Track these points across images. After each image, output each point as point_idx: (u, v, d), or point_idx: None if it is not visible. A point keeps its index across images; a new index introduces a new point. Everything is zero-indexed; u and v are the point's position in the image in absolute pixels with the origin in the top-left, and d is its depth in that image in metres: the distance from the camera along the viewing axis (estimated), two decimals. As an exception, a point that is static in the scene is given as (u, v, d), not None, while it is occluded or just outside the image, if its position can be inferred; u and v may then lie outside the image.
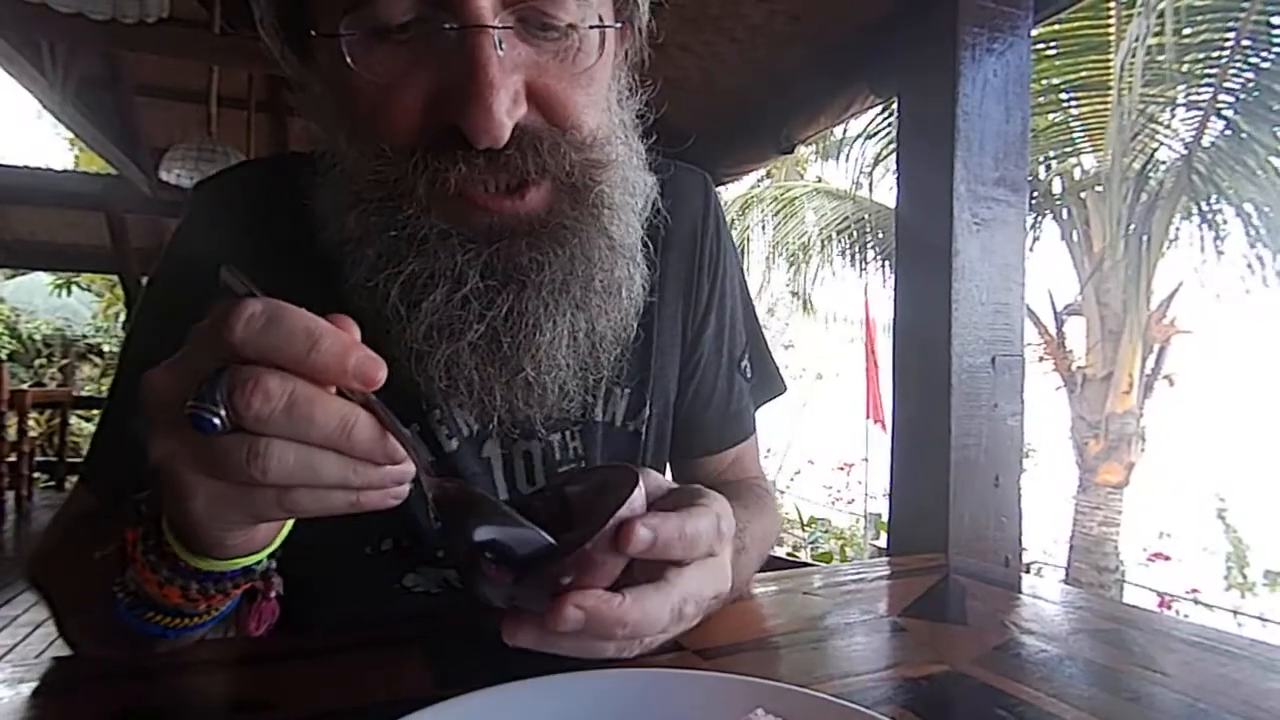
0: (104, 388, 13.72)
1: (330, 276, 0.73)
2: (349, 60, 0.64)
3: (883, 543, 8.09)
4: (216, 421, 0.46)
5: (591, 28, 0.69)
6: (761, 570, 0.97)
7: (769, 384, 1.15)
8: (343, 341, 0.48)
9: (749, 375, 1.11)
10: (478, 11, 0.62)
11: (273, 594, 0.61)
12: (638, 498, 0.55)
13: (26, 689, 0.64)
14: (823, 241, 9.64)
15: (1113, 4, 6.28)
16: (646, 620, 0.55)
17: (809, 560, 7.19)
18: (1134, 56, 5.46)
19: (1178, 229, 6.81)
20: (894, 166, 2.20)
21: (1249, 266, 6.45)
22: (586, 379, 0.77)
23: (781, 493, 10.82)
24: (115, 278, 10.96)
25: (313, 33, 0.67)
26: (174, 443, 0.49)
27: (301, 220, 0.77)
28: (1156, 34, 5.37)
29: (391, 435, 0.50)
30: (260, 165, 0.93)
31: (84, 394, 13.68)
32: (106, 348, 17.54)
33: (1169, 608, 7.42)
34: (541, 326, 0.69)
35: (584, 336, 0.74)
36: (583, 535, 0.54)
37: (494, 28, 0.62)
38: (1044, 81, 6.77)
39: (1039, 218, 7.73)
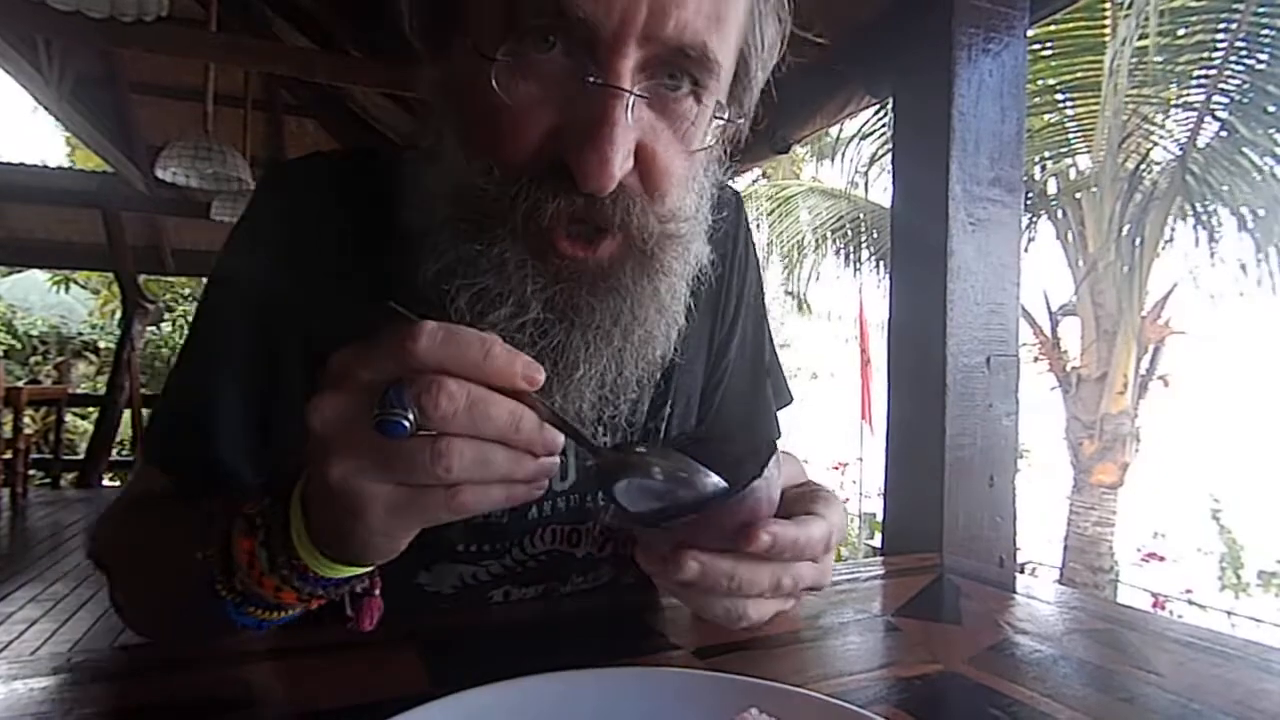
0: (100, 385, 13.68)
1: (407, 262, 0.77)
2: (495, 84, 0.68)
3: (877, 542, 8.09)
4: (405, 424, 0.50)
5: (722, 120, 0.75)
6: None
7: (778, 394, 1.19)
8: (509, 349, 0.54)
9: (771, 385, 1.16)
10: (620, 73, 0.66)
11: (377, 590, 0.65)
12: (774, 475, 0.60)
13: (22, 685, 0.64)
14: (818, 241, 9.65)
15: (1108, 5, 6.29)
16: (751, 580, 0.62)
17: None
18: (1120, 58, 5.47)
19: (1173, 230, 6.81)
20: (889, 166, 2.20)
21: (1243, 267, 6.47)
22: (602, 415, 0.80)
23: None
24: (111, 275, 10.95)
25: (467, 39, 0.70)
26: (354, 458, 0.53)
27: (386, 211, 0.82)
28: (1143, 36, 5.37)
29: (549, 425, 0.55)
30: (344, 156, 0.97)
31: (79, 391, 13.65)
32: (102, 345, 17.50)
33: (1163, 608, 7.43)
34: (579, 364, 0.73)
35: (611, 379, 0.78)
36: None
37: (630, 92, 0.66)
38: (1039, 82, 6.77)
39: (1034, 218, 7.74)
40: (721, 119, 0.76)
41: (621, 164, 0.67)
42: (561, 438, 0.56)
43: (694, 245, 0.80)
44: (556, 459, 0.57)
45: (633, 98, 0.66)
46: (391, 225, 0.80)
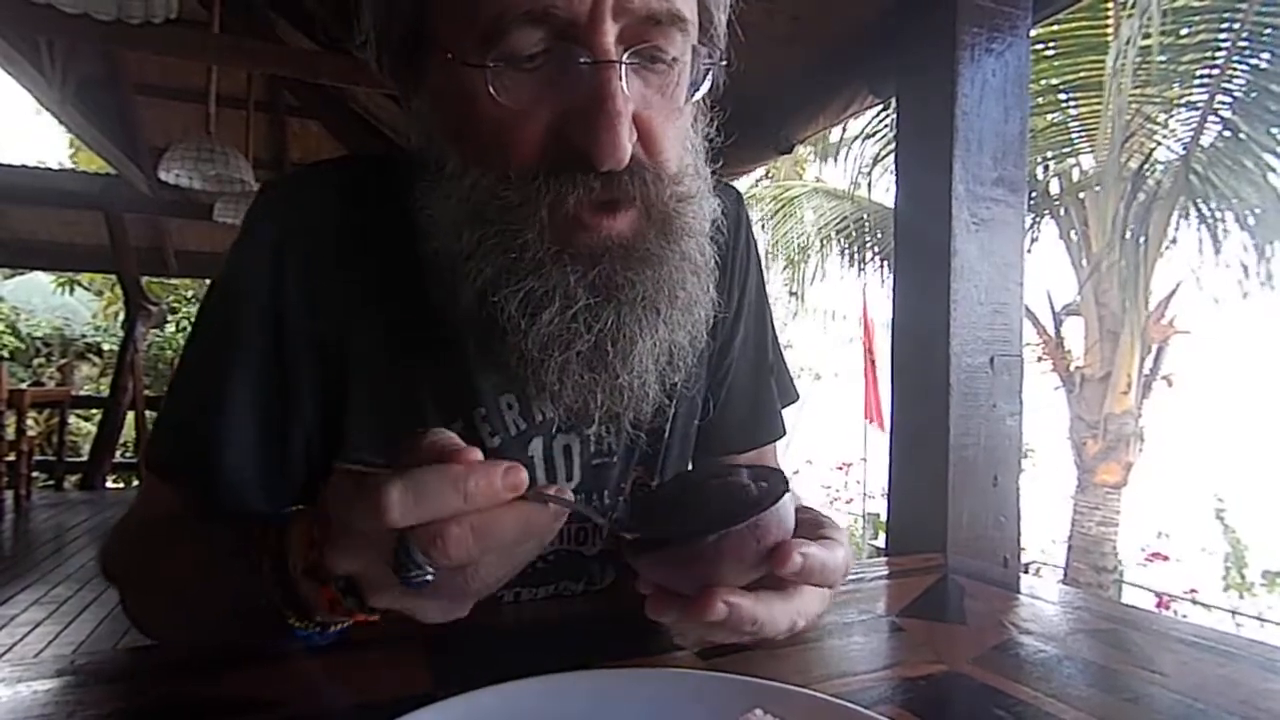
0: (103, 387, 13.71)
1: (436, 280, 0.81)
2: (492, 91, 0.70)
3: (881, 543, 8.08)
4: (429, 577, 0.52)
5: (706, 62, 0.78)
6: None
7: (783, 391, 1.20)
8: (486, 474, 0.53)
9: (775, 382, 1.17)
10: (606, 48, 0.69)
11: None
12: (788, 504, 0.60)
13: (26, 688, 0.64)
14: (821, 241, 9.64)
15: (1111, 5, 6.28)
16: (770, 623, 0.60)
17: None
18: (1124, 57, 5.46)
19: (1176, 229, 6.80)
20: (892, 166, 2.20)
21: (1244, 267, 6.45)
22: (664, 384, 0.82)
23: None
24: (114, 277, 10.96)
25: (449, 55, 0.72)
26: (392, 593, 0.57)
27: (400, 223, 0.83)
28: (1146, 35, 5.36)
29: (552, 504, 0.56)
30: (353, 165, 0.97)
31: (83, 393, 13.67)
32: (106, 346, 17.54)
33: (1167, 608, 7.40)
34: (637, 339, 0.76)
35: (665, 347, 0.80)
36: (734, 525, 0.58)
37: (621, 63, 0.69)
38: (1042, 82, 6.76)
39: (1037, 218, 7.72)
40: (713, 64, 0.79)
41: (629, 136, 0.69)
42: (572, 497, 0.57)
43: (705, 201, 0.82)
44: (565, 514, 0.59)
45: (623, 68, 0.69)
46: (426, 243, 0.81)
